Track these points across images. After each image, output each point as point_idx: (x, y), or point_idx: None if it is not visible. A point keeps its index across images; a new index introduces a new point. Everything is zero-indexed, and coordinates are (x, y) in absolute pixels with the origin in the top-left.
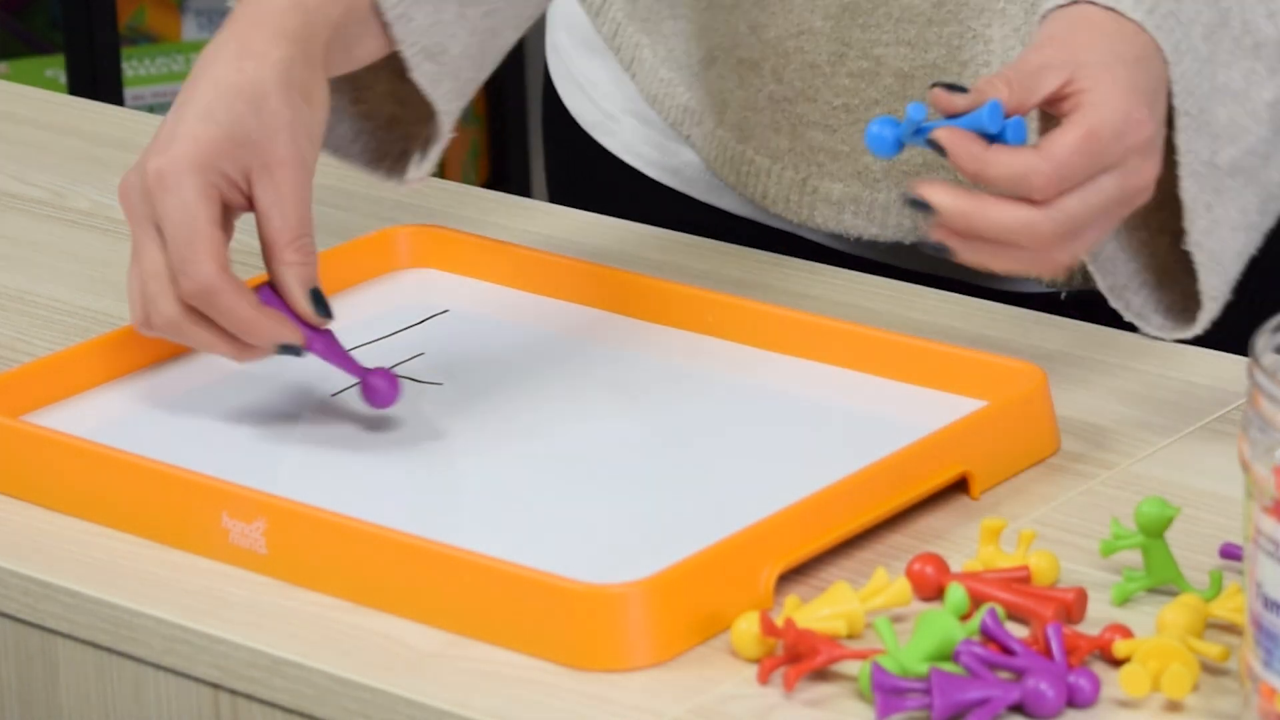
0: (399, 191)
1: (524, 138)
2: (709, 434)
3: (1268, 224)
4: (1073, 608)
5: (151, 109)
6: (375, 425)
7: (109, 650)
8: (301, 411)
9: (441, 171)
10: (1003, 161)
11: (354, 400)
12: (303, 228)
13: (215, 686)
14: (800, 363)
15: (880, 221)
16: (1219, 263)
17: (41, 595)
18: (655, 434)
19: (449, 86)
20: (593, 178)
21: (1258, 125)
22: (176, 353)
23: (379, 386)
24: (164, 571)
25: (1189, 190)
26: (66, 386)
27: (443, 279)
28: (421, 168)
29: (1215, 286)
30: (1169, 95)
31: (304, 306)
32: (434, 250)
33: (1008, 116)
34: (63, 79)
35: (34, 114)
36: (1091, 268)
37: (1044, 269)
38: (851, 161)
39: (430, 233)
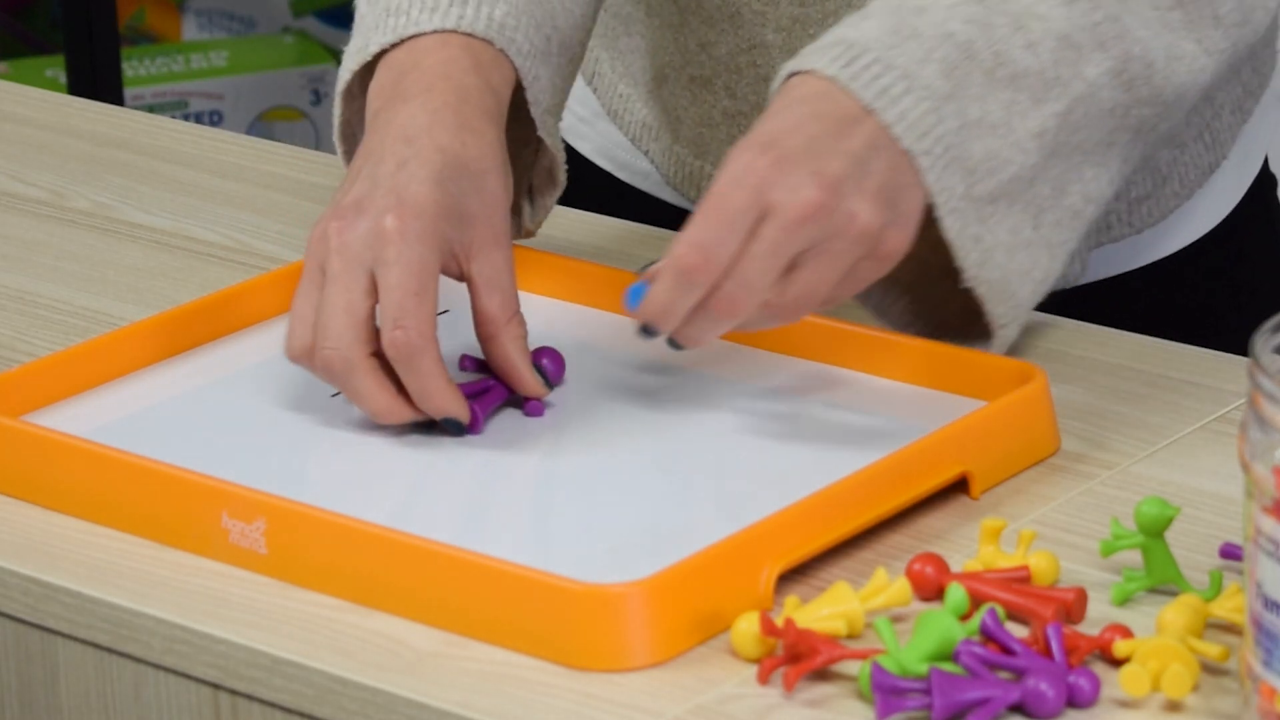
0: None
1: None
2: (709, 434)
3: (1054, 236)
4: (1073, 608)
5: (151, 109)
6: (375, 425)
7: (109, 650)
8: (301, 411)
9: None
10: (659, 281)
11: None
12: (517, 303)
13: (215, 686)
14: (800, 363)
15: None
16: (1004, 289)
17: (42, 595)
18: (654, 434)
19: (556, 138)
20: (572, 181)
21: (1023, 155)
22: (176, 352)
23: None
24: (164, 571)
25: (952, 227)
26: (66, 386)
27: (443, 279)
28: (535, 217)
29: (1004, 314)
30: (893, 140)
31: (529, 377)
32: None
33: None
34: (63, 79)
35: (34, 114)
36: (886, 324)
37: (783, 319)
38: None
39: None
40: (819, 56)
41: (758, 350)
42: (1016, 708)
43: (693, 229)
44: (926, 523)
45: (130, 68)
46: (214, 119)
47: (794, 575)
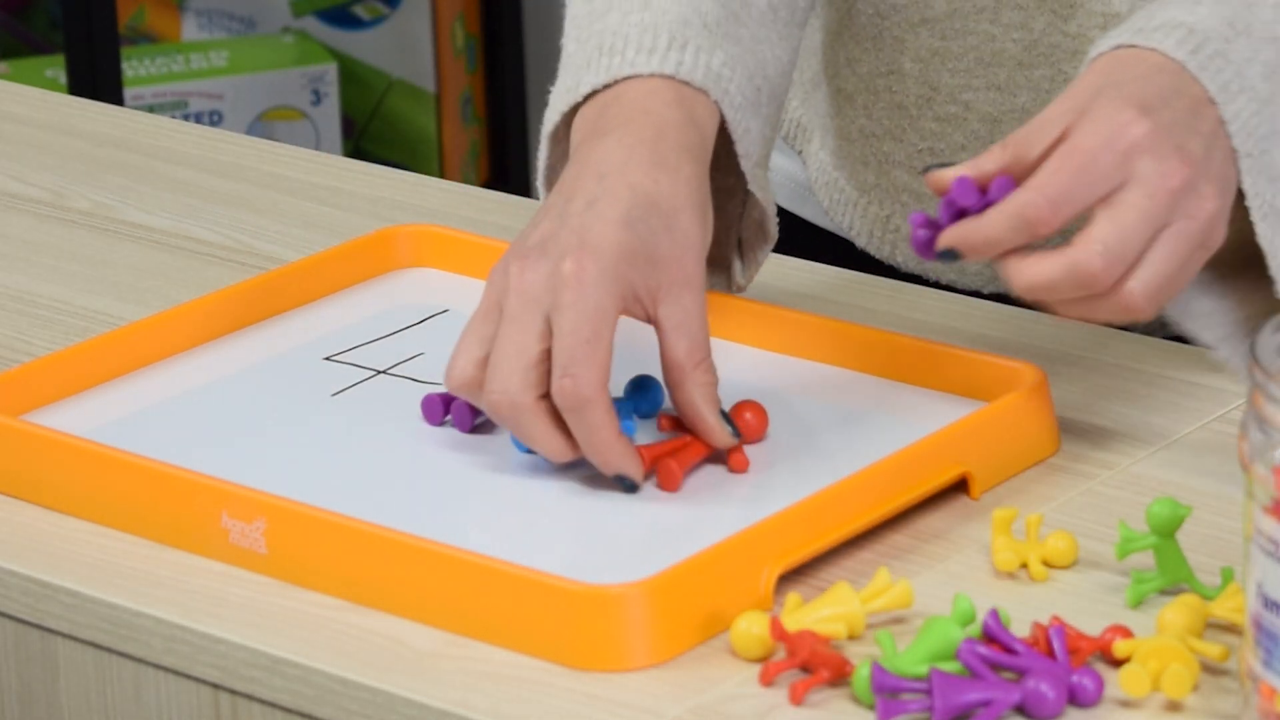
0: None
1: (524, 138)
2: None
3: None
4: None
5: (151, 109)
6: (375, 425)
7: (109, 650)
8: (301, 411)
9: (441, 171)
10: (996, 215)
11: (354, 400)
12: (708, 349)
13: (215, 686)
14: (800, 363)
15: (958, 268)
16: None
17: (42, 595)
18: (655, 433)
19: (767, 190)
20: None
21: None
22: (176, 352)
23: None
24: (164, 571)
25: (1264, 234)
26: (66, 386)
27: (442, 279)
28: (746, 272)
29: None
30: (1227, 136)
31: (716, 426)
32: (434, 250)
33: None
34: (63, 79)
35: (34, 114)
36: (1187, 326)
37: (1126, 312)
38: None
39: (430, 233)
40: (1162, 37)
41: (758, 350)
42: (1017, 708)
43: (1048, 177)
44: (926, 523)
45: (130, 68)
46: (214, 119)
47: (794, 575)
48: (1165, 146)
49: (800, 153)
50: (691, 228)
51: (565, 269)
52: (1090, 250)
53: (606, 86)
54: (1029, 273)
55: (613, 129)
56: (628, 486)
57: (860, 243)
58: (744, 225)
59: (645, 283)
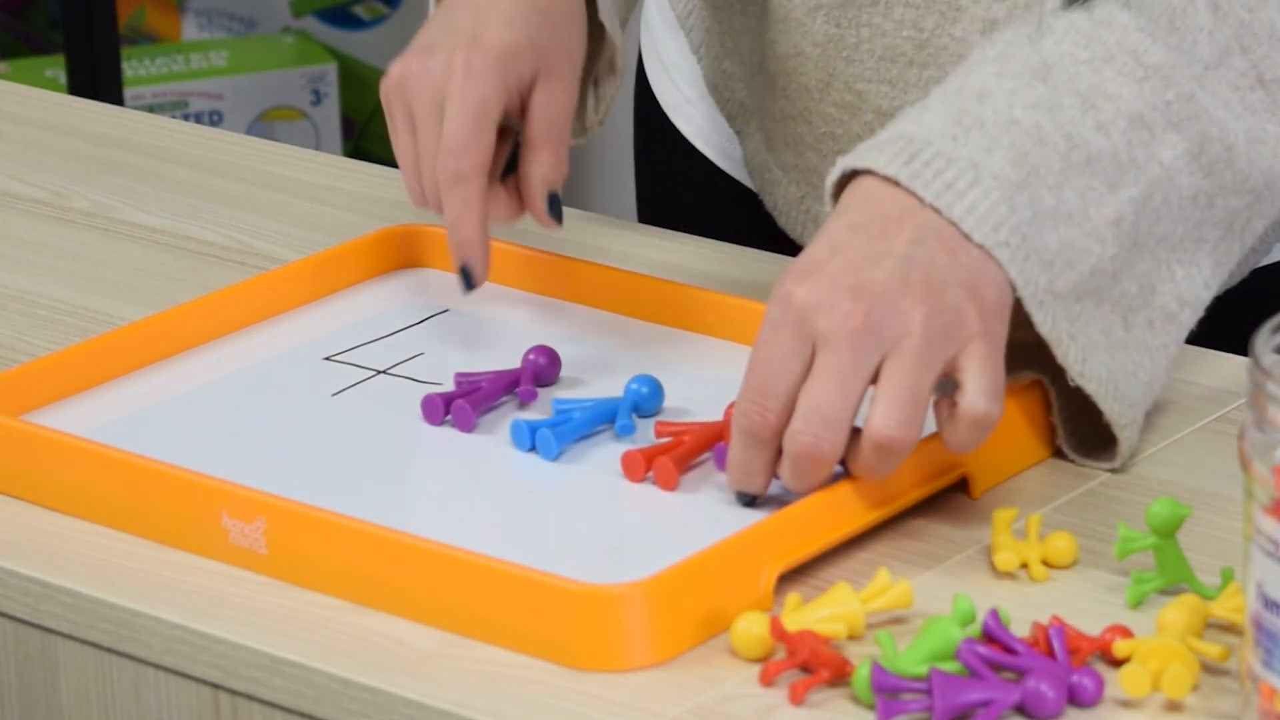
0: (578, 141)
1: None
2: None
3: (1149, 339)
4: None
5: (151, 109)
6: (375, 425)
7: (109, 650)
8: (301, 411)
9: None
10: (732, 438)
11: (354, 400)
12: (563, 137)
13: (215, 686)
14: None
15: None
16: (1114, 388)
17: (42, 595)
18: (655, 433)
19: (614, 22)
20: (671, 161)
21: (1101, 245)
22: (176, 352)
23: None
24: (164, 571)
25: (1044, 323)
26: (66, 386)
27: (442, 279)
28: (599, 109)
29: (1121, 413)
30: (963, 235)
31: (539, 204)
32: (434, 250)
33: None
34: (63, 79)
35: (34, 114)
36: None
37: (884, 449)
38: None
39: (430, 233)
40: (878, 154)
41: None
42: (1017, 708)
43: (746, 381)
44: (926, 523)
45: (130, 68)
46: (214, 119)
47: (794, 575)
48: (834, 295)
49: (740, 133)
50: (566, 26)
51: (456, 62)
52: (739, 402)
53: None
54: (728, 469)
55: None
56: (466, 278)
57: (781, 222)
58: (599, 65)
59: (527, 71)
